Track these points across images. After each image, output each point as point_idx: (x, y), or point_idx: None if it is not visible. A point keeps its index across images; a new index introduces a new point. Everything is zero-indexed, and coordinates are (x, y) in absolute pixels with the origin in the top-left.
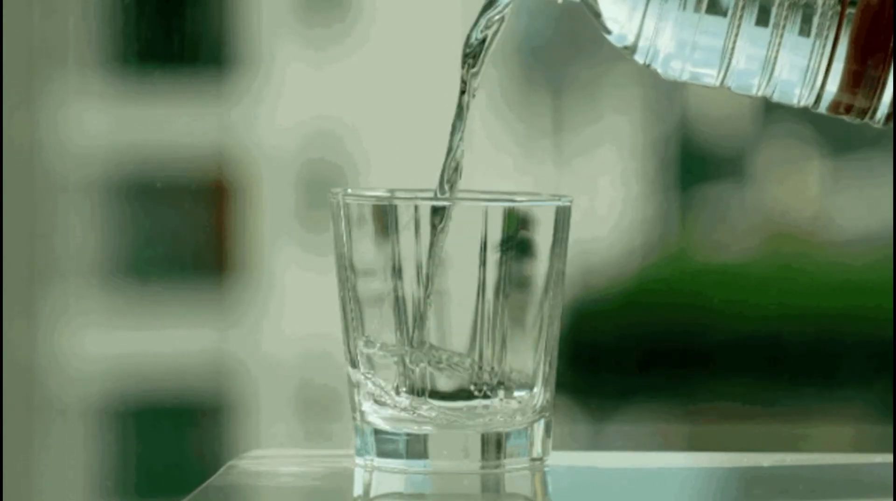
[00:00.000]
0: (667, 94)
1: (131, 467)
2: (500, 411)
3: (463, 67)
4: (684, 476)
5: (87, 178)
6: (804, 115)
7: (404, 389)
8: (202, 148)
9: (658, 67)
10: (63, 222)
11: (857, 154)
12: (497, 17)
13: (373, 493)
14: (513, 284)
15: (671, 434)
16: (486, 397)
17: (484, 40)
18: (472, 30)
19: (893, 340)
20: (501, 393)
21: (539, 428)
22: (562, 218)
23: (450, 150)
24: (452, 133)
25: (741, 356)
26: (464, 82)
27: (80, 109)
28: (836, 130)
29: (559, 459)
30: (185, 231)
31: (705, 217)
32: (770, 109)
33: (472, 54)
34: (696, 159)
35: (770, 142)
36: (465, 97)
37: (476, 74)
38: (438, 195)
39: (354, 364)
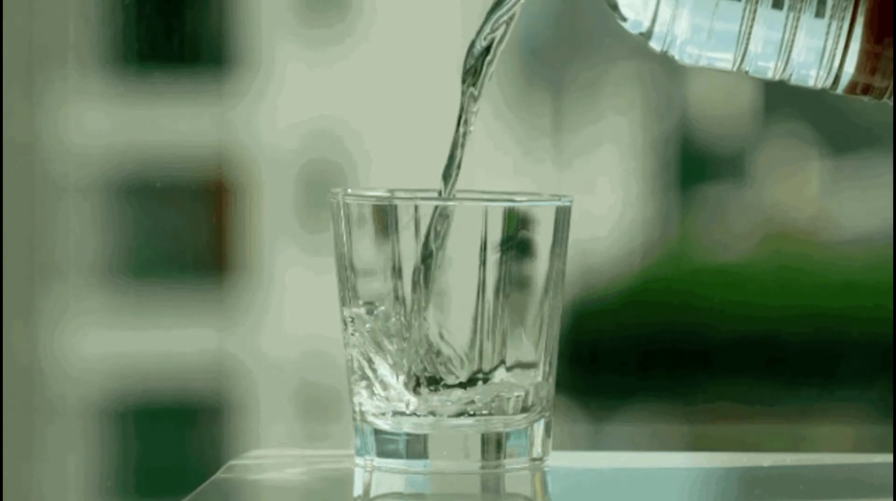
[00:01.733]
0: (667, 94)
1: (131, 467)
2: (502, 385)
3: (463, 84)
4: (684, 476)
5: (87, 178)
6: (804, 115)
7: (402, 375)
8: (202, 148)
9: (675, 54)
10: (63, 222)
11: (857, 154)
12: (504, 19)
13: (373, 493)
14: (513, 284)
15: (671, 434)
16: (485, 382)
17: (488, 49)
18: (476, 37)
19: (893, 340)
20: (502, 371)
21: (539, 428)
22: (562, 218)
23: (446, 178)
24: (447, 170)
25: (741, 356)
26: (462, 107)
27: (80, 109)
28: (836, 130)
29: (559, 459)
30: (185, 231)
31: (705, 217)
32: (770, 109)
33: (474, 69)
34: (696, 159)
35: (770, 142)
36: (463, 128)
37: (475, 98)
38: (435, 232)
39: (354, 362)
